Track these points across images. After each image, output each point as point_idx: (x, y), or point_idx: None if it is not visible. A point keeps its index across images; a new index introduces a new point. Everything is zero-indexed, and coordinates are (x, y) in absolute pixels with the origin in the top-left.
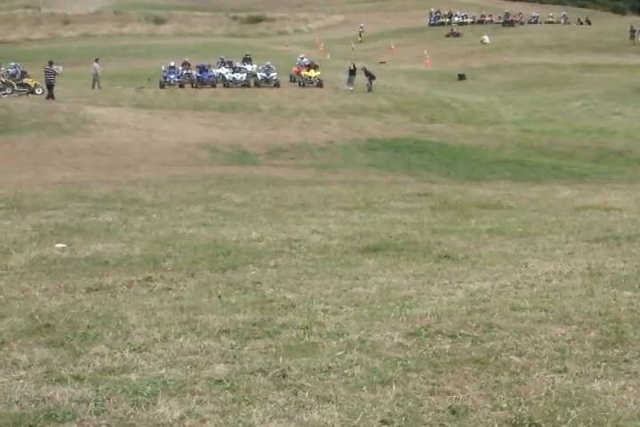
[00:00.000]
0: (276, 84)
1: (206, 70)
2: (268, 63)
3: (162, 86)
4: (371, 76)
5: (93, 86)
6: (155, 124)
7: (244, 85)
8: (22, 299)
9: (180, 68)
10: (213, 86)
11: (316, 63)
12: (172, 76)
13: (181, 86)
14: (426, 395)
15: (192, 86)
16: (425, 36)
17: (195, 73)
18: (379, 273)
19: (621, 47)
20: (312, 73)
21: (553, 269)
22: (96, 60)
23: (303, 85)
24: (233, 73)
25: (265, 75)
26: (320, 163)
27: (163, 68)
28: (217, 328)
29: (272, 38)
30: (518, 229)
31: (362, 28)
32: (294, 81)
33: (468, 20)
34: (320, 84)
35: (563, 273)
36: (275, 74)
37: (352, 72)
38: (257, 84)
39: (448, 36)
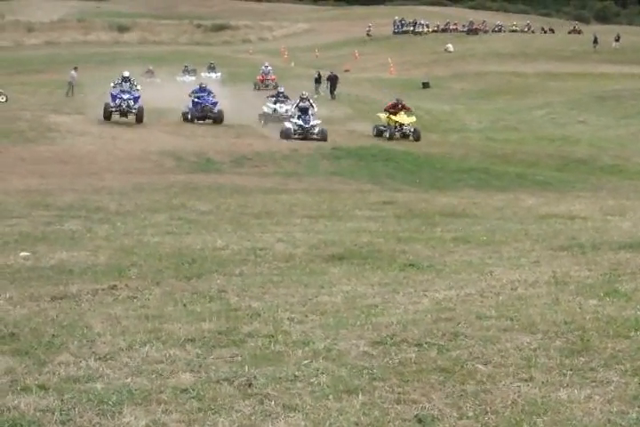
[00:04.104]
0: (323, 138)
1: (208, 92)
2: (281, 89)
3: (106, 116)
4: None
5: (67, 94)
6: (119, 132)
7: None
8: None
9: (142, 78)
10: (215, 121)
11: (406, 103)
12: (126, 97)
13: (139, 120)
14: (392, 404)
15: (185, 119)
16: (389, 45)
17: (192, 98)
18: (344, 282)
19: (585, 56)
20: (405, 119)
21: (518, 278)
22: (74, 69)
23: (391, 138)
24: (274, 103)
25: (302, 123)
26: (284, 171)
27: (111, 84)
28: (182, 337)
29: (236, 46)
30: (483, 237)
31: (370, 27)
32: (258, 89)
33: (428, 30)
34: (417, 138)
35: (528, 281)
36: (318, 121)
37: (317, 80)
38: (285, 136)
39: (570, 33)
